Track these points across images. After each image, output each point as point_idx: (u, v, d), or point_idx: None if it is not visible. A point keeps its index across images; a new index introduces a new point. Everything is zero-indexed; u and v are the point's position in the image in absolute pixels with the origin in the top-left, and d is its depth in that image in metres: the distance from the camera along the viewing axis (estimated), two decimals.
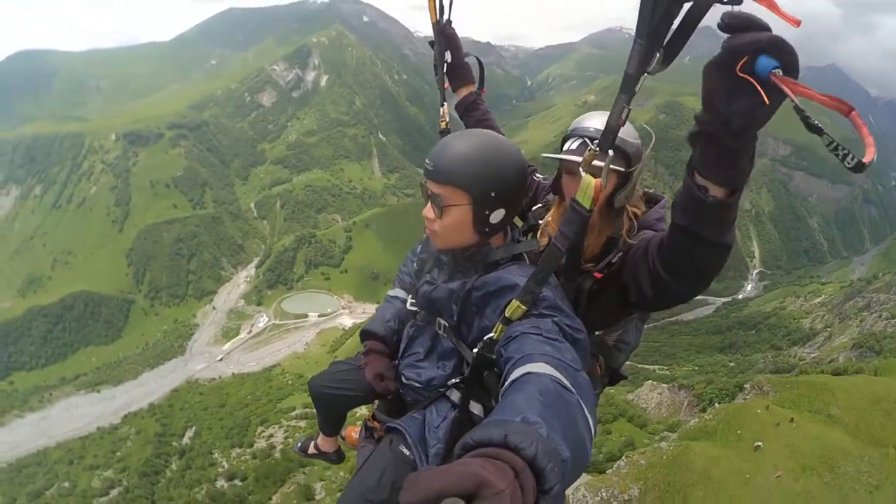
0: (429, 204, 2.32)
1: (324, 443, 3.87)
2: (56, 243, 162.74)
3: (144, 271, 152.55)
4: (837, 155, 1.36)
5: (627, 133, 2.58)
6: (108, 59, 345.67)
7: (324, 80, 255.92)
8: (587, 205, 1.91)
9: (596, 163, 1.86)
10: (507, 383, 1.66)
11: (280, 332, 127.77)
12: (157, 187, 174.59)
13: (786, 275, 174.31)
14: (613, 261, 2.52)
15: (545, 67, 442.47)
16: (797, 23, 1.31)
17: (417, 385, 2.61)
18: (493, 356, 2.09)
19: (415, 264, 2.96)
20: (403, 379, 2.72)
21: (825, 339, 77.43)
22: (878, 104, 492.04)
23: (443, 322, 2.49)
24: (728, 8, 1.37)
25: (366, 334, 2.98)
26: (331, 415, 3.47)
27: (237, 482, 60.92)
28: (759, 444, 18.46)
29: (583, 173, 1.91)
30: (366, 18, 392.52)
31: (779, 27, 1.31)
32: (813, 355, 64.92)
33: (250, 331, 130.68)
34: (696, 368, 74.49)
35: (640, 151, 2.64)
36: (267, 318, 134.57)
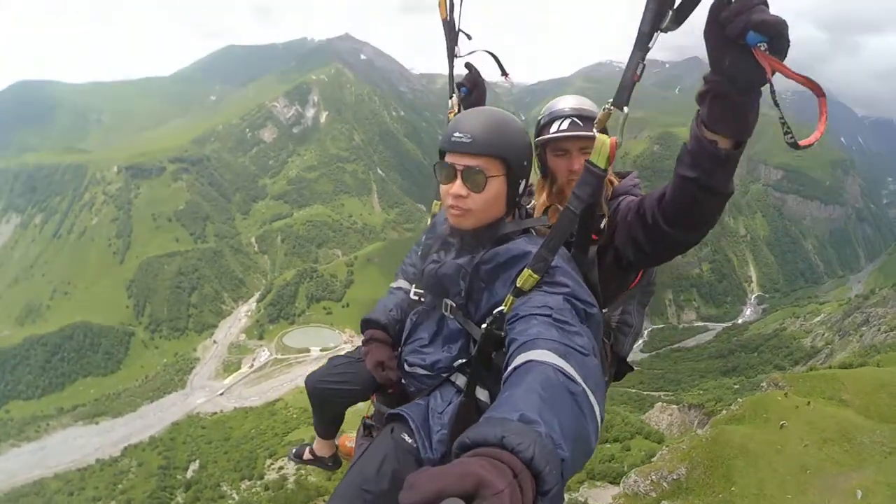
0: (458, 181, 2.25)
1: (319, 447, 3.73)
2: (56, 273, 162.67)
3: (145, 304, 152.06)
4: (784, 130, 1.62)
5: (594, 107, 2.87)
6: (109, 92, 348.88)
7: (323, 117, 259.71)
8: (603, 164, 2.00)
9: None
10: (508, 369, 1.65)
11: (282, 366, 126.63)
12: (159, 220, 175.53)
13: (784, 297, 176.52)
14: (602, 226, 2.64)
15: (538, 103, 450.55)
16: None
17: (421, 371, 2.53)
18: (502, 333, 2.02)
19: (419, 252, 2.93)
20: (406, 366, 2.63)
21: (826, 355, 78.80)
22: (865, 123, 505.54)
23: (449, 303, 2.41)
24: None
25: (367, 323, 2.91)
26: (327, 413, 3.31)
27: None
28: (784, 423, 21.52)
29: (596, 133, 2.04)
30: (363, 56, 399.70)
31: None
32: None
33: (251, 365, 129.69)
34: (702, 392, 75.59)
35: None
36: (268, 353, 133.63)
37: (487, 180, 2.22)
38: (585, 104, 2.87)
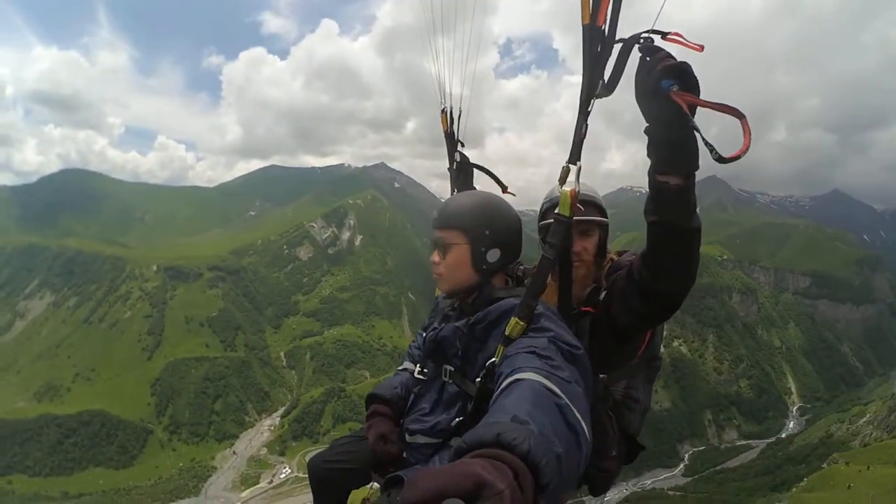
0: (434, 251, 2.67)
1: None
2: (81, 358, 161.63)
3: (167, 404, 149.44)
4: (708, 148, 1.83)
5: (596, 195, 3.20)
6: (154, 194, 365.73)
7: (358, 240, 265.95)
8: (566, 213, 2.28)
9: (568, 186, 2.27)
10: (496, 393, 1.78)
11: (303, 485, 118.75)
12: (192, 324, 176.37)
13: (827, 405, 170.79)
14: (599, 298, 2.92)
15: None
16: (700, 48, 1.92)
17: (422, 438, 2.63)
18: (493, 387, 2.05)
19: (423, 335, 3.14)
20: (408, 436, 2.72)
21: None
22: (884, 217, 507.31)
23: (448, 368, 2.60)
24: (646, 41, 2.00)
25: (372, 398, 3.07)
26: (329, 499, 3.25)
27: None
28: (851, 484, 26.05)
29: (561, 188, 2.33)
30: (396, 185, 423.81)
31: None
32: None
33: (271, 481, 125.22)
34: None
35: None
36: (289, 470, 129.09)
37: (448, 248, 2.59)
38: (586, 190, 3.05)
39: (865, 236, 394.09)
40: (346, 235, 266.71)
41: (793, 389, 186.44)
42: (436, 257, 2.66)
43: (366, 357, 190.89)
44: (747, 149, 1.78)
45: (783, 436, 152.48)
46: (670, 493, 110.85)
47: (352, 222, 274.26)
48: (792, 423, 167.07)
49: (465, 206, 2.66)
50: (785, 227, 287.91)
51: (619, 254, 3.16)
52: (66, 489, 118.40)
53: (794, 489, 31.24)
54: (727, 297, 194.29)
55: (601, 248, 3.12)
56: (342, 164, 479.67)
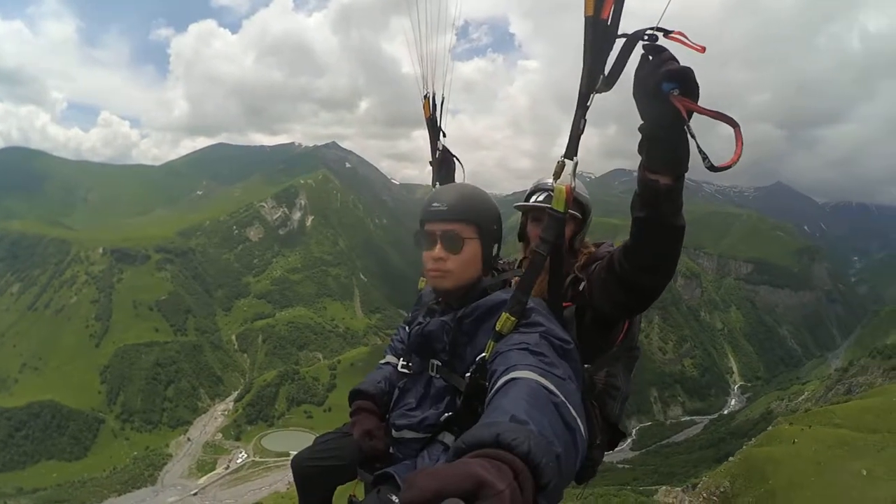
0: (438, 246, 2.50)
1: None
2: (28, 346, 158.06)
3: (118, 392, 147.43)
4: (702, 156, 1.88)
5: (582, 190, 3.20)
6: (98, 172, 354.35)
7: (309, 221, 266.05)
8: (561, 208, 2.31)
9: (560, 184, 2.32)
10: (491, 392, 1.77)
11: (260, 469, 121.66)
12: (140, 308, 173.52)
13: (766, 384, 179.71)
14: (580, 289, 2.91)
15: (513, 213, 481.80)
16: (702, 49, 1.88)
17: (410, 433, 2.58)
18: (486, 383, 2.03)
19: (406, 328, 3.18)
20: (394, 431, 2.69)
21: None
22: (825, 210, 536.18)
23: (435, 363, 2.56)
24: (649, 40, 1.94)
25: (355, 394, 3.02)
26: (314, 498, 3.07)
27: None
28: (795, 440, 28.30)
29: (555, 183, 2.36)
30: (348, 165, 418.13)
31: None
32: None
33: (228, 466, 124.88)
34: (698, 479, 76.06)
35: (590, 206, 3.34)
36: (246, 454, 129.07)
37: (464, 242, 2.49)
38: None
39: (806, 227, 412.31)
40: (296, 216, 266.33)
41: (734, 369, 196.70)
42: (442, 253, 2.51)
43: (318, 339, 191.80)
44: (739, 158, 1.82)
45: (725, 412, 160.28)
46: (619, 466, 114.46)
47: (303, 202, 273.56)
48: (734, 400, 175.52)
49: (472, 198, 2.59)
50: (729, 216, 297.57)
51: (597, 245, 3.32)
52: (19, 484, 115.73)
53: (745, 446, 35.31)
54: (672, 281, 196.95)
55: (575, 236, 3.29)
56: (292, 143, 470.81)
